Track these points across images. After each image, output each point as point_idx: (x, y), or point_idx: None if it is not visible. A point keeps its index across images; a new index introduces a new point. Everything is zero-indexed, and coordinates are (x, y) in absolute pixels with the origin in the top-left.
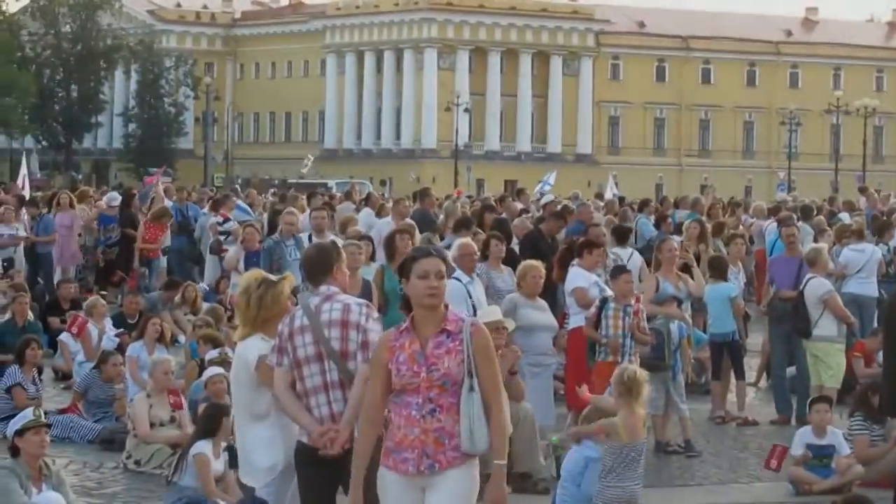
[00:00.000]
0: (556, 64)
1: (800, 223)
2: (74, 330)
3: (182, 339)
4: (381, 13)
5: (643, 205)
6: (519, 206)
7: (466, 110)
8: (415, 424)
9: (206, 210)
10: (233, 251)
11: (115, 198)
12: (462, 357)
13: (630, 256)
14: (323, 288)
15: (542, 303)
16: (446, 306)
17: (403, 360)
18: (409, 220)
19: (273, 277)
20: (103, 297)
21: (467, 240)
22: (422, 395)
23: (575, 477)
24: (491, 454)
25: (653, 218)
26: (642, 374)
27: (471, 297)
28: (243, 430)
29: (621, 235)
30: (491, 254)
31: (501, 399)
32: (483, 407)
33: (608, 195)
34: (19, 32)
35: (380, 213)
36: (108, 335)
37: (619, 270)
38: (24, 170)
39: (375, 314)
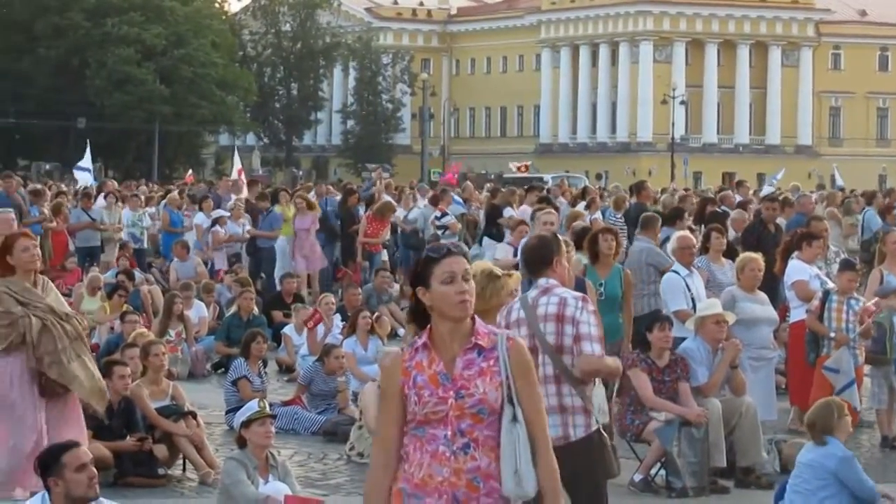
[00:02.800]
0: (775, 55)
1: None
2: (311, 324)
3: (401, 332)
4: (595, 7)
5: (870, 197)
6: (738, 198)
7: (683, 103)
8: (444, 463)
9: (425, 204)
10: (502, 248)
11: None
12: (500, 380)
13: None
14: (542, 281)
15: (762, 295)
16: (473, 318)
17: (423, 382)
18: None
19: (498, 271)
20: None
21: (685, 232)
22: (451, 427)
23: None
24: (544, 501)
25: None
26: None
27: (689, 290)
28: None
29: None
30: (711, 246)
31: (548, 429)
32: (528, 441)
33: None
34: (241, 32)
35: (590, 207)
36: (334, 333)
37: (846, 266)
38: (237, 162)
39: (591, 307)
